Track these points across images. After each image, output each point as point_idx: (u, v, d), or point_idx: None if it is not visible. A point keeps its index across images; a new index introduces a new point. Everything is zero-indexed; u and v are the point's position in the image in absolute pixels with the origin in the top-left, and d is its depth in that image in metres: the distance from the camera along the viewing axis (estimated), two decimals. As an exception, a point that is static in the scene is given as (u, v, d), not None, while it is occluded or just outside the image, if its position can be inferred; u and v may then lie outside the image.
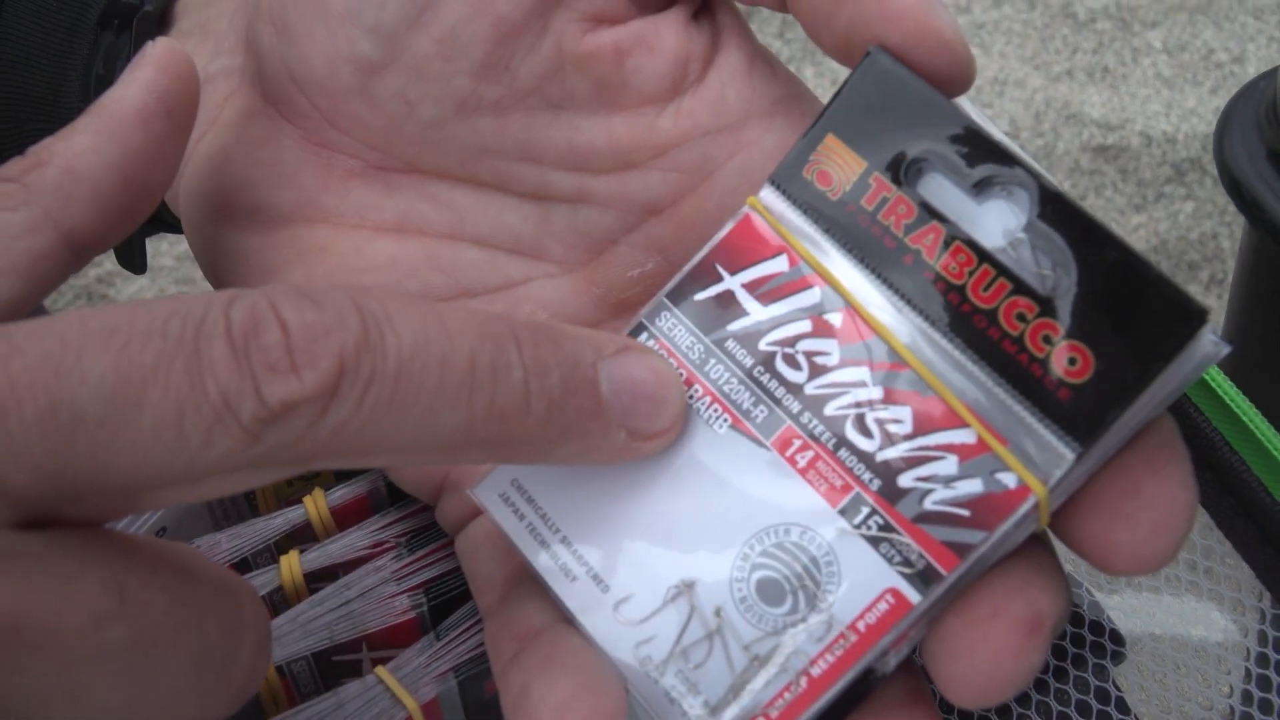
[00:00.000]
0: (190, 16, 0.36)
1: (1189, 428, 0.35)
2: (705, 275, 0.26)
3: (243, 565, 0.34)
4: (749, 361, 0.26)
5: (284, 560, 0.33)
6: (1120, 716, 0.35)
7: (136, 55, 0.29)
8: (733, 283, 0.26)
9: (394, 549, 0.34)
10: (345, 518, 0.35)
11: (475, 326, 0.23)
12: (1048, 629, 0.23)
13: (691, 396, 0.26)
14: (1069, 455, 0.23)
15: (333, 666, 0.33)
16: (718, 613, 0.24)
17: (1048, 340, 0.23)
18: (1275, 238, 0.36)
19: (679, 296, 0.27)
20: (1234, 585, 0.35)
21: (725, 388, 0.26)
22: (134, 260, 0.37)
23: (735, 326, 0.26)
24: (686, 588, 0.25)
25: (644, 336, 0.27)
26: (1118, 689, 0.36)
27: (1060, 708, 0.36)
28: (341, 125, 0.31)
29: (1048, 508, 0.23)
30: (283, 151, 0.32)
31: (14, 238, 0.26)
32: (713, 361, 0.26)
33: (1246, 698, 0.34)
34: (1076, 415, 0.23)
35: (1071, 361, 0.23)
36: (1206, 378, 0.35)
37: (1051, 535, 0.25)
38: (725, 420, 0.25)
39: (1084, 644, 0.36)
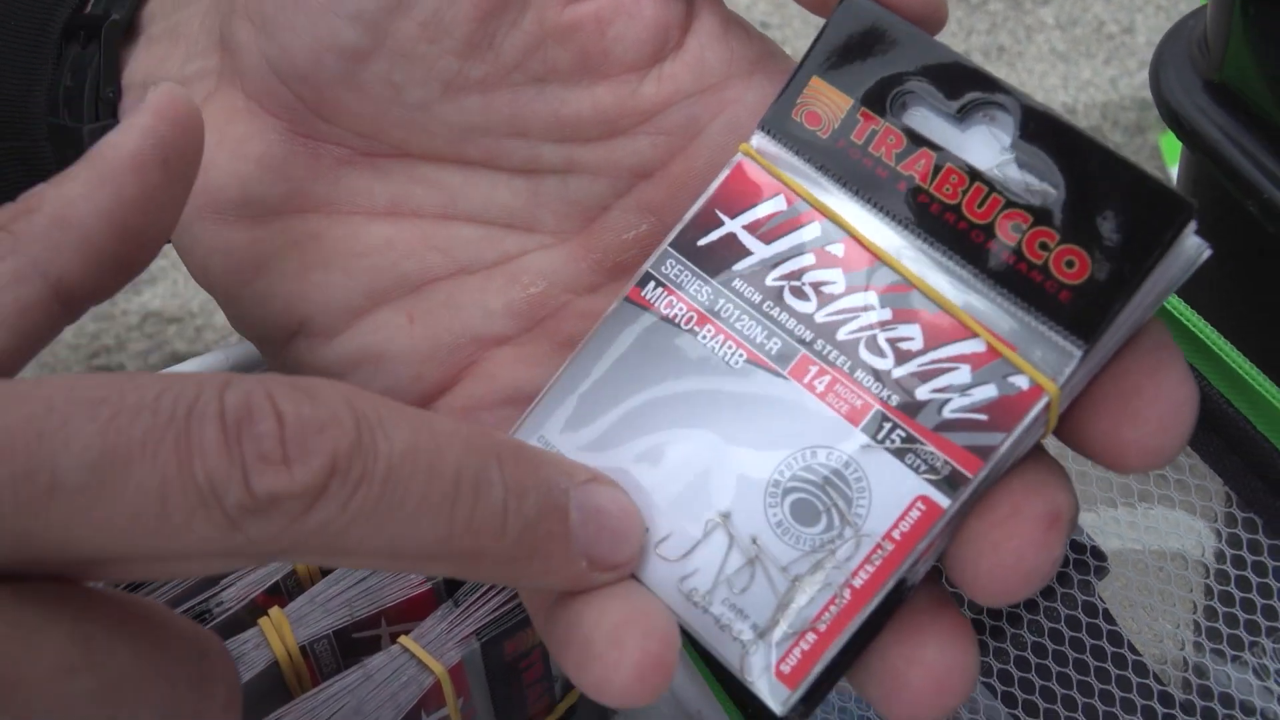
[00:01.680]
0: (159, 22, 0.35)
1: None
2: (706, 222, 0.27)
3: (252, 554, 0.34)
4: (758, 298, 0.26)
5: (294, 545, 0.33)
6: (1108, 627, 0.37)
7: (140, 102, 0.28)
8: (734, 225, 0.27)
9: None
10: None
11: (461, 440, 0.23)
12: (1065, 523, 0.24)
13: (705, 337, 0.26)
14: (1076, 353, 0.24)
15: (353, 644, 0.33)
16: (755, 540, 0.25)
17: (1044, 247, 0.24)
18: (1215, 161, 0.38)
19: (683, 244, 0.27)
20: (1205, 495, 0.37)
21: (737, 325, 0.26)
22: None
23: (740, 266, 0.26)
24: (723, 519, 0.25)
25: (651, 285, 0.27)
26: (1103, 602, 0.37)
27: (1051, 624, 0.37)
28: (328, 115, 0.31)
29: (1058, 407, 0.24)
30: (269, 146, 0.31)
31: (0, 288, 0.25)
32: (722, 301, 0.26)
33: (1225, 598, 0.36)
34: (1079, 315, 0.24)
35: (1069, 264, 0.24)
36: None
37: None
38: (741, 355, 0.26)
39: (1068, 562, 0.38)
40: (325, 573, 0.33)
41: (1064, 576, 0.38)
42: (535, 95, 0.30)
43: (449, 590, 0.33)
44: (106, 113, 0.34)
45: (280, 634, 0.31)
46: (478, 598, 0.32)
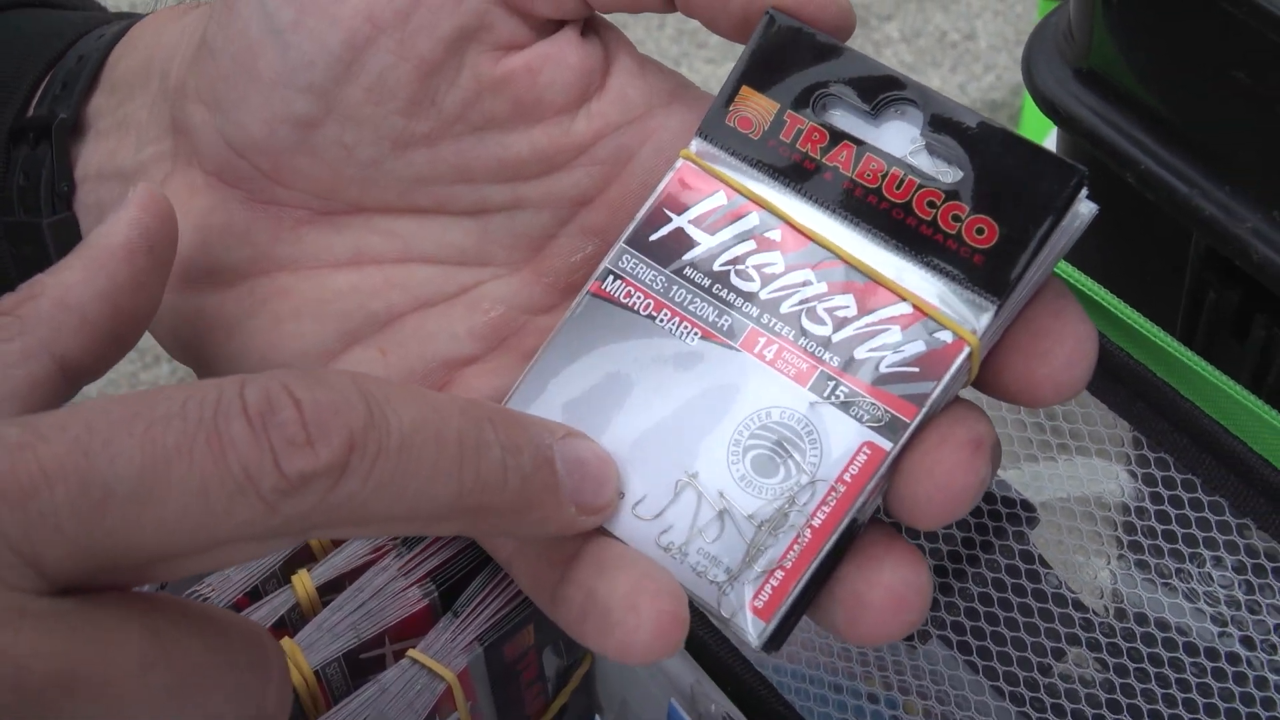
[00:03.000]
0: (106, 117, 0.37)
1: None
2: (656, 220, 0.30)
3: (254, 593, 0.36)
4: (707, 282, 0.29)
5: (296, 579, 0.35)
6: (1044, 570, 0.40)
7: (122, 199, 0.30)
8: (681, 221, 0.29)
9: (393, 549, 0.36)
10: (338, 534, 0.37)
11: (458, 409, 0.25)
12: (987, 448, 0.27)
13: (662, 320, 0.29)
14: (991, 308, 0.27)
15: (360, 665, 0.35)
16: (721, 494, 0.27)
17: (956, 219, 0.27)
18: (1093, 142, 0.41)
19: (636, 241, 0.30)
20: (1116, 441, 0.40)
21: (690, 307, 0.29)
22: None
23: (689, 256, 0.29)
24: (691, 478, 0.28)
25: (611, 278, 0.29)
26: (1037, 549, 0.40)
27: (993, 574, 0.40)
28: (285, 180, 0.33)
29: (979, 356, 0.27)
30: (231, 215, 0.33)
31: (12, 366, 0.27)
32: (675, 288, 0.29)
33: (1148, 532, 0.39)
34: (991, 274, 0.27)
35: (979, 231, 0.27)
36: (1057, 270, 0.40)
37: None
38: (695, 334, 0.29)
39: (1001, 517, 0.41)
40: (326, 601, 0.35)
41: (1000, 530, 0.41)
42: (477, 143, 0.32)
43: (446, 604, 0.35)
44: (62, 207, 0.36)
45: (295, 662, 0.33)
46: (474, 607, 0.35)
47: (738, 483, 0.28)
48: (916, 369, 0.27)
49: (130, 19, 0.39)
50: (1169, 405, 0.38)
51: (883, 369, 0.27)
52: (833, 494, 0.27)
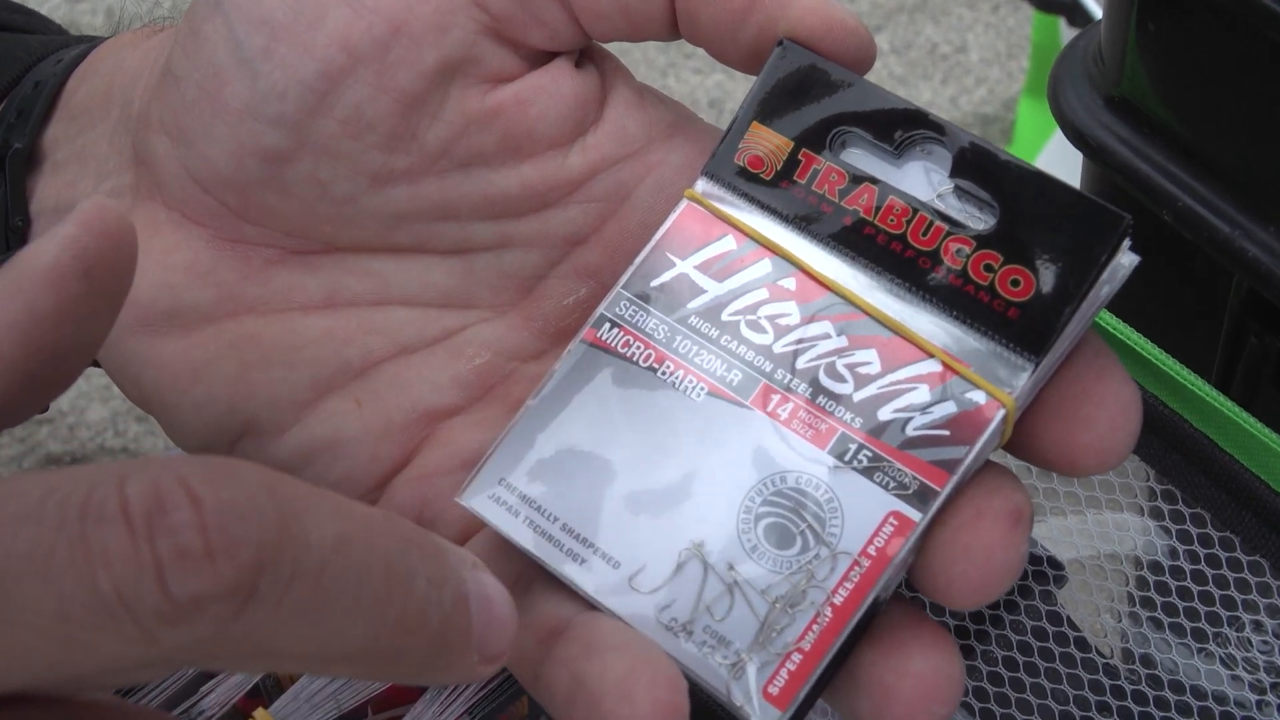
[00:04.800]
0: (63, 148, 0.35)
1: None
2: (658, 264, 0.28)
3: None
4: (714, 333, 0.27)
5: (270, 643, 0.33)
6: (1072, 633, 0.38)
7: (68, 213, 0.25)
8: (685, 266, 0.28)
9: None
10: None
11: (385, 528, 0.21)
12: (1026, 521, 0.25)
13: (664, 373, 0.27)
14: (1028, 366, 0.25)
15: (340, 737, 0.33)
16: (731, 566, 0.25)
17: (989, 269, 0.25)
18: (1126, 175, 0.39)
19: (636, 286, 0.28)
20: (1150, 495, 0.38)
21: (696, 359, 0.27)
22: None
23: (695, 304, 0.27)
24: (696, 548, 0.26)
25: (607, 326, 0.28)
26: (1065, 609, 0.38)
27: (1019, 636, 0.38)
28: (254, 218, 0.31)
29: (1014, 418, 0.25)
30: (195, 254, 0.31)
31: None
32: (679, 338, 0.27)
33: (1182, 593, 0.37)
34: (1027, 329, 0.25)
35: (1014, 283, 0.25)
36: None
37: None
38: (702, 389, 0.27)
39: (1028, 575, 0.39)
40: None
41: (1025, 589, 0.39)
42: (463, 179, 0.31)
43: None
44: (17, 243, 0.34)
45: (268, 734, 0.31)
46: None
47: (749, 554, 0.25)
48: (947, 432, 0.25)
49: (90, 43, 0.37)
50: (1207, 458, 0.36)
51: (910, 431, 0.25)
52: (856, 568, 0.25)
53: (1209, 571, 0.37)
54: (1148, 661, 0.38)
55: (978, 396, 0.25)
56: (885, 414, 0.25)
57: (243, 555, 0.18)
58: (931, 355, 0.25)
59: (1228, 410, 0.35)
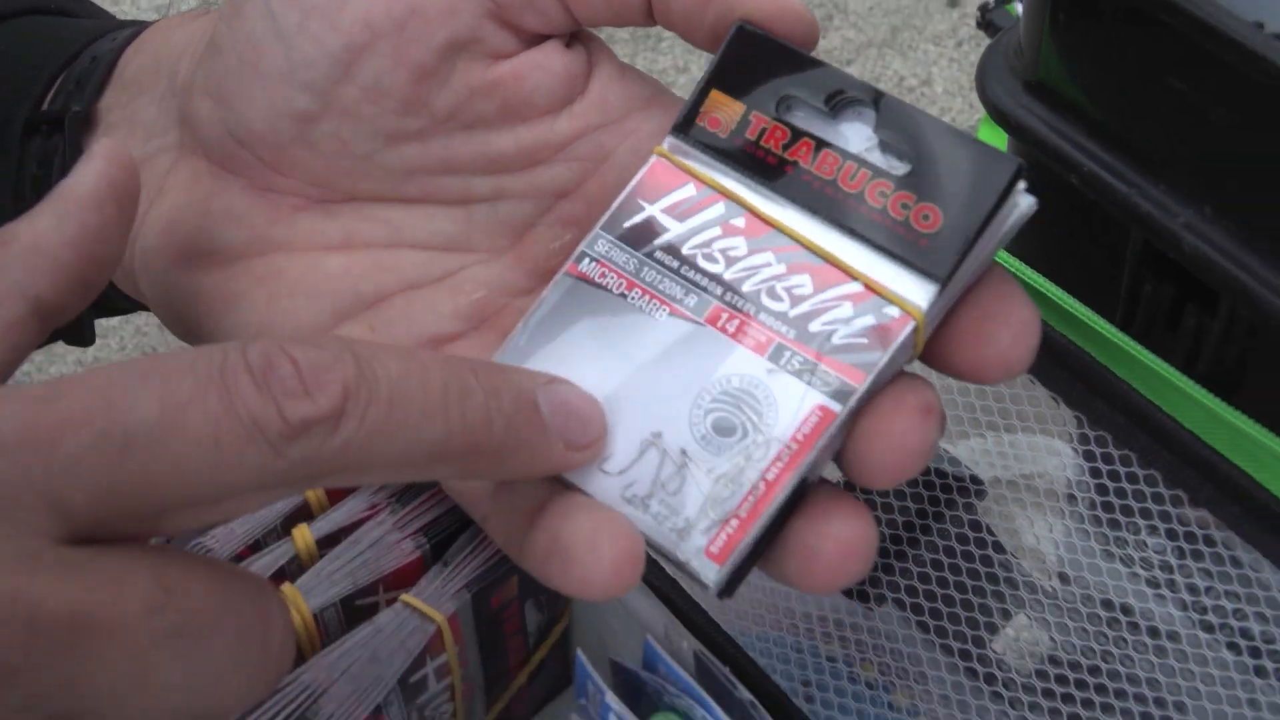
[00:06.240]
0: (115, 113, 0.39)
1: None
2: (629, 209, 0.32)
3: (255, 545, 0.39)
4: (675, 264, 0.31)
5: (296, 532, 0.38)
6: (990, 539, 0.43)
7: (85, 153, 0.32)
8: (653, 210, 0.32)
9: (388, 506, 0.39)
10: (337, 494, 0.40)
11: (440, 361, 0.27)
12: (936, 413, 0.29)
13: (633, 299, 0.31)
14: (934, 287, 0.29)
15: (355, 610, 0.37)
16: (683, 451, 0.30)
17: (905, 206, 0.30)
18: (1039, 147, 0.44)
19: (611, 227, 0.32)
20: (1059, 420, 0.43)
21: (659, 286, 0.31)
22: (82, 335, 0.41)
23: (660, 241, 0.31)
24: (655, 438, 0.30)
25: (587, 260, 0.32)
26: (985, 518, 0.43)
27: (944, 542, 0.43)
28: (284, 170, 0.35)
29: (924, 332, 0.30)
30: (231, 200, 0.35)
31: None
32: (645, 269, 0.31)
33: (1088, 504, 0.42)
34: (935, 256, 0.29)
35: (924, 218, 0.29)
36: (1008, 265, 0.43)
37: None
38: (664, 310, 0.31)
39: (951, 490, 0.44)
40: (324, 554, 0.38)
41: (950, 502, 0.43)
42: (466, 139, 0.35)
43: (436, 555, 0.38)
44: None
45: (295, 605, 0.36)
46: (463, 558, 0.38)
47: (699, 442, 0.30)
48: (865, 340, 0.29)
49: (140, 25, 0.41)
50: (1107, 387, 0.41)
51: (834, 340, 0.30)
52: (786, 451, 0.29)
53: (1110, 485, 0.42)
54: (1059, 563, 0.43)
55: (892, 311, 0.29)
56: (815, 326, 0.30)
57: (330, 390, 0.24)
58: (855, 279, 0.30)
59: (1124, 344, 0.39)
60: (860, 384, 0.29)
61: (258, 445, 0.24)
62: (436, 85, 0.34)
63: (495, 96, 0.34)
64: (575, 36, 0.36)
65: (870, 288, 0.30)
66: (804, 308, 0.30)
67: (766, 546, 0.30)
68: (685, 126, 0.32)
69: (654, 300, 0.31)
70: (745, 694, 0.33)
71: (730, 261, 0.31)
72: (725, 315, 0.31)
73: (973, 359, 0.30)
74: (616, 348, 0.31)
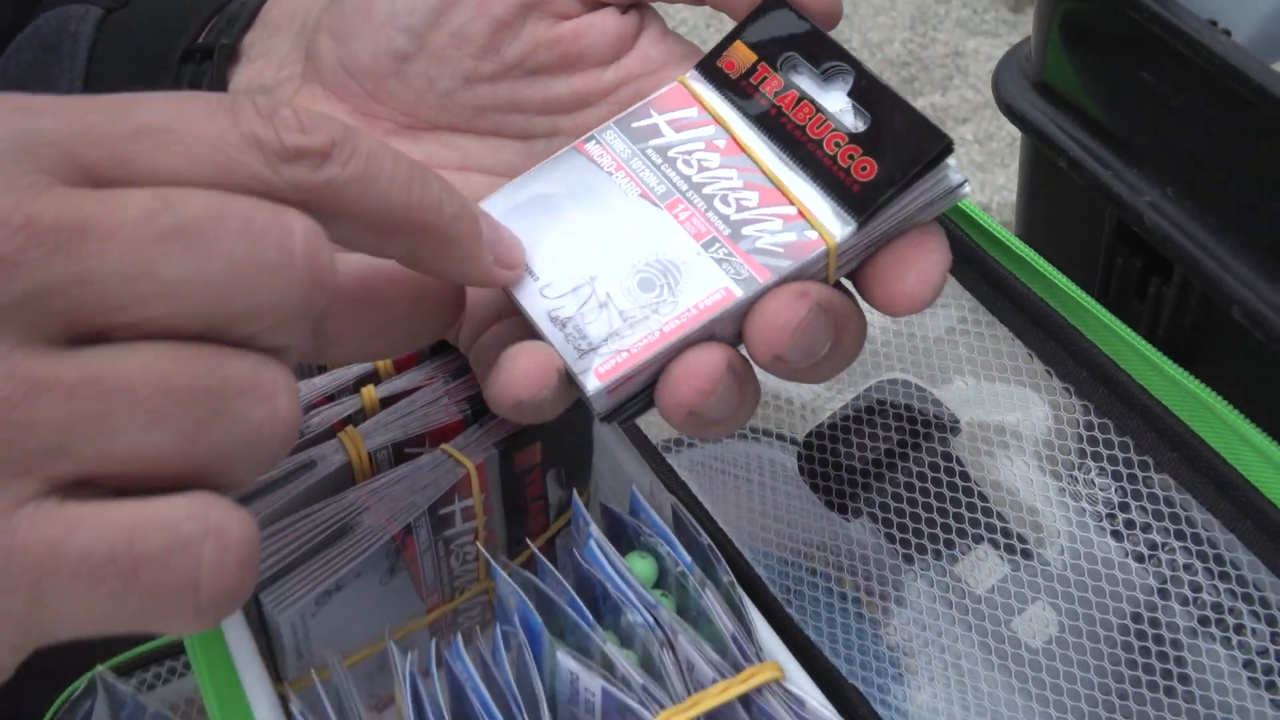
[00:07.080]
0: (256, 48, 0.46)
1: (1010, 294, 0.48)
2: (642, 114, 0.38)
3: (331, 398, 0.47)
4: (659, 160, 0.37)
5: (364, 390, 0.46)
6: (959, 469, 0.49)
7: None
8: (658, 119, 0.38)
9: (441, 378, 0.47)
10: (401, 364, 0.48)
11: (409, 158, 0.30)
12: (811, 299, 0.34)
13: (618, 178, 0.37)
14: (853, 224, 0.34)
15: (404, 456, 0.45)
16: (608, 294, 0.35)
17: (851, 158, 0.35)
18: (1038, 136, 0.50)
19: (622, 123, 0.38)
20: (1034, 375, 0.49)
21: (640, 173, 0.37)
22: None
23: (654, 142, 0.37)
24: (591, 281, 0.35)
25: (592, 142, 0.38)
26: (957, 451, 0.49)
27: (919, 469, 0.49)
28: (382, 99, 0.41)
29: (834, 257, 0.35)
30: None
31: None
32: (634, 159, 0.37)
33: (1049, 445, 0.48)
34: (861, 200, 0.34)
35: (863, 170, 0.35)
36: (999, 235, 0.49)
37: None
38: (636, 190, 0.36)
39: (930, 425, 0.50)
40: (384, 409, 0.46)
41: (927, 434, 0.50)
42: (529, 84, 0.40)
43: (475, 416, 0.46)
44: None
45: (354, 443, 0.44)
46: (496, 424, 0.45)
47: (622, 290, 0.35)
48: (782, 250, 0.35)
49: None
50: (1073, 344, 0.47)
51: (758, 245, 0.35)
52: (685, 314, 0.34)
53: (1069, 430, 0.48)
54: (1012, 490, 0.49)
55: (811, 234, 0.35)
56: (747, 231, 0.35)
57: (321, 134, 0.28)
58: (792, 203, 0.35)
59: (1087, 304, 0.45)
60: (765, 281, 0.35)
61: (256, 154, 0.27)
62: (509, 37, 0.40)
63: (556, 49, 0.40)
64: (633, 5, 0.42)
65: (801, 213, 0.36)
66: (744, 215, 0.36)
67: (649, 388, 0.35)
68: (707, 65, 0.39)
69: (632, 182, 0.37)
70: (706, 539, 0.40)
71: (702, 169, 0.37)
72: (681, 206, 0.36)
73: (883, 293, 0.35)
74: (590, 209, 0.36)
